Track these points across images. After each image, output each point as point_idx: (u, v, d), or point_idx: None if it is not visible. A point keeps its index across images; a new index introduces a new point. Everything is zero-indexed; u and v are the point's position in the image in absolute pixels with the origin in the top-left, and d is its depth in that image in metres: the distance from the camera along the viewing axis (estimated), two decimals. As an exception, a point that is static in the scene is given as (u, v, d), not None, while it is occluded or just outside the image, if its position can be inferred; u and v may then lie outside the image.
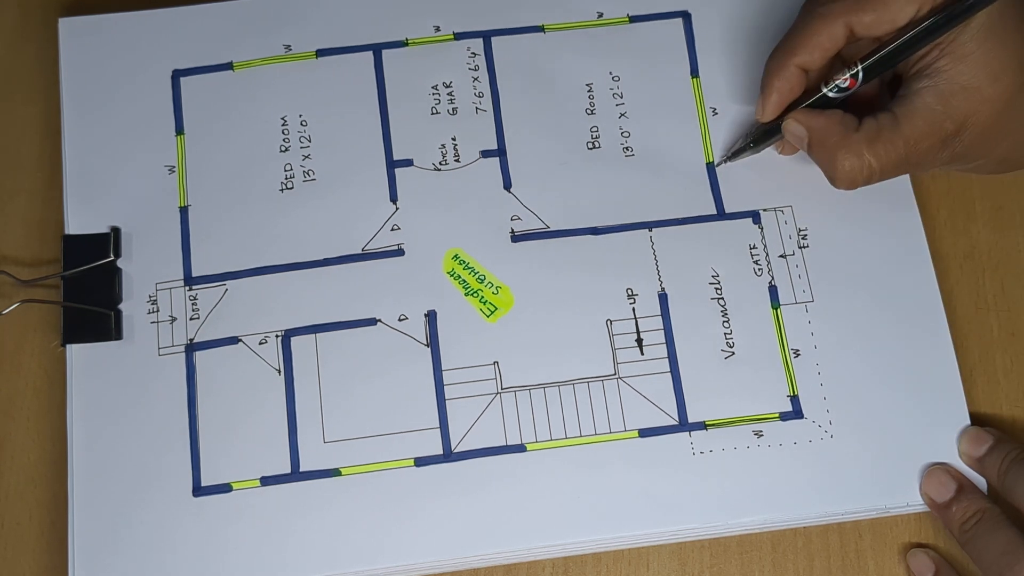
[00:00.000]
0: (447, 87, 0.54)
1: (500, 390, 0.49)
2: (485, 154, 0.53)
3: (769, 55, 0.49)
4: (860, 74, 0.47)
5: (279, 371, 0.50)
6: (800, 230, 0.52)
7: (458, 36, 0.54)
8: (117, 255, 0.51)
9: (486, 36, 0.54)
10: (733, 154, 0.52)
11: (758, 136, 0.51)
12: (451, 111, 0.53)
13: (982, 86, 0.45)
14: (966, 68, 0.45)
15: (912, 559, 0.49)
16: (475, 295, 0.51)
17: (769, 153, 0.52)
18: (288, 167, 0.53)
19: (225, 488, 0.48)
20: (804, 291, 0.51)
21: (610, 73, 0.54)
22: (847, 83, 0.48)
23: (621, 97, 0.54)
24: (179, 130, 0.53)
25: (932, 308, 0.51)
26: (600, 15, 0.55)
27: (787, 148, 0.52)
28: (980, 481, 0.48)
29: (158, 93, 0.54)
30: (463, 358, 0.50)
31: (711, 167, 0.53)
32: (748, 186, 0.52)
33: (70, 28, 0.54)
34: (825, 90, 0.48)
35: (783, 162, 0.53)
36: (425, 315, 0.50)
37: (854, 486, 0.48)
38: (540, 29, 0.55)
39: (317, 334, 0.50)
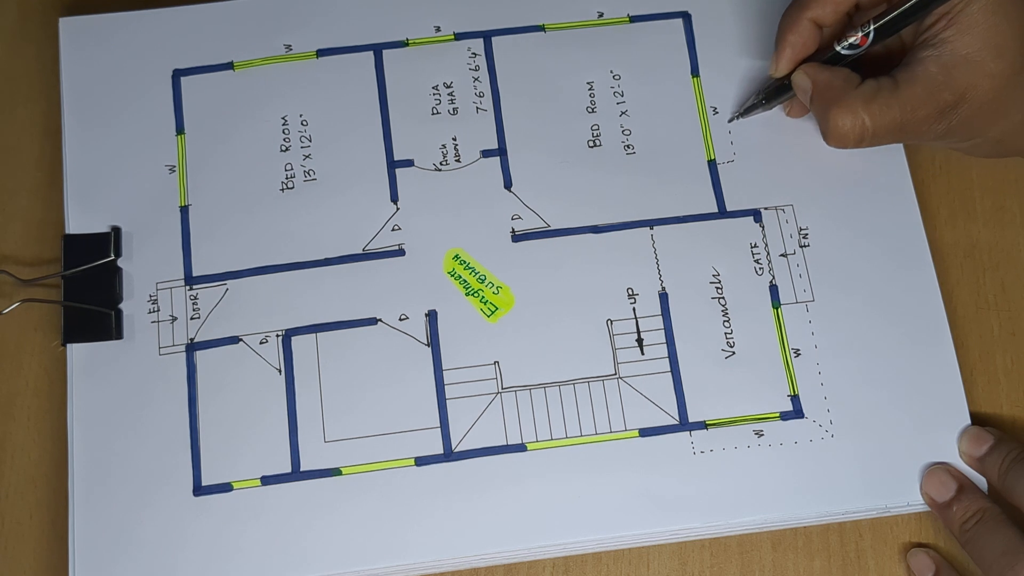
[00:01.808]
0: (448, 87, 0.54)
1: (500, 390, 0.49)
2: (486, 154, 0.53)
3: (783, 12, 0.49)
4: (872, 33, 0.47)
5: (280, 371, 0.50)
6: (801, 229, 0.52)
7: (459, 36, 0.54)
8: (117, 254, 0.51)
9: (487, 36, 0.54)
10: (745, 111, 0.53)
11: (770, 93, 0.51)
12: (452, 111, 0.53)
13: (985, 60, 0.46)
14: (971, 40, 0.46)
15: (912, 559, 0.49)
16: (476, 295, 0.51)
17: (771, 150, 0.52)
18: (289, 167, 0.53)
19: (226, 488, 0.48)
20: (805, 290, 0.51)
21: (611, 72, 0.54)
22: (859, 41, 0.48)
23: (622, 95, 0.54)
24: (179, 130, 0.53)
25: (932, 307, 0.51)
26: (600, 15, 0.55)
27: (796, 109, 0.52)
28: (981, 481, 0.48)
29: (158, 93, 0.54)
30: (464, 358, 0.50)
31: (712, 165, 0.53)
32: (749, 184, 0.52)
33: (70, 28, 0.54)
34: (838, 47, 0.48)
35: (785, 160, 0.52)
36: (426, 315, 0.50)
37: (855, 486, 0.48)
38: (540, 29, 0.55)
39: (318, 334, 0.50)
